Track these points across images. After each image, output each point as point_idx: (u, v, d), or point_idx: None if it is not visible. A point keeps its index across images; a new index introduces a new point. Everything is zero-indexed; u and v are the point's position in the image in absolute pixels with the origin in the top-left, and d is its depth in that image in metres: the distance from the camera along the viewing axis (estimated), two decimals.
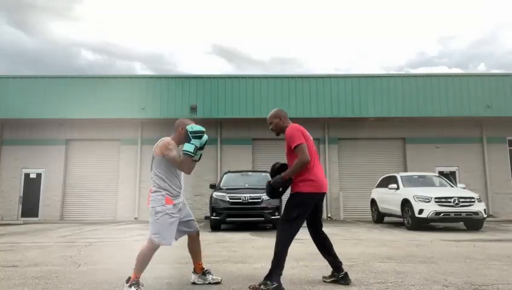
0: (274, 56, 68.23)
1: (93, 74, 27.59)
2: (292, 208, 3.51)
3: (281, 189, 3.60)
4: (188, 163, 3.46)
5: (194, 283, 3.73)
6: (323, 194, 3.63)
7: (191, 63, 69.48)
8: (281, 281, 3.36)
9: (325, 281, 3.75)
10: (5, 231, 9.96)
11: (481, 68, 57.13)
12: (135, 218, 14.69)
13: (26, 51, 58.27)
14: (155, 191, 3.46)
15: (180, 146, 3.60)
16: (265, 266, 4.64)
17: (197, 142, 3.43)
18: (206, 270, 3.78)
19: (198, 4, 65.76)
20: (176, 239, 3.56)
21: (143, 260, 3.38)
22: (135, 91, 14.53)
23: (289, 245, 3.47)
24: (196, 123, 3.61)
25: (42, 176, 15.14)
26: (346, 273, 3.68)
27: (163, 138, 3.60)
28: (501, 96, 14.33)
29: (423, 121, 15.16)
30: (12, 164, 15.14)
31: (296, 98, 14.38)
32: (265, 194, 9.77)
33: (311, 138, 3.75)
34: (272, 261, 3.42)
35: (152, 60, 66.19)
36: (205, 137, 3.51)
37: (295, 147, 3.48)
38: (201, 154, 3.58)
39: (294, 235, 3.50)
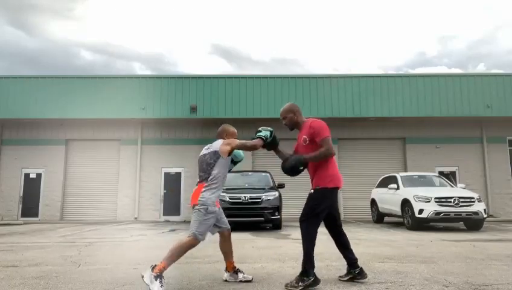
0: (274, 56, 68.25)
1: (93, 74, 27.61)
2: (317, 204, 3.56)
3: (301, 168, 3.67)
4: (259, 144, 3.64)
5: (225, 281, 3.82)
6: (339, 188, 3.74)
7: (191, 63, 69.50)
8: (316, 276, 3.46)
9: (341, 280, 3.79)
10: (5, 231, 9.96)
11: (480, 68, 57.14)
12: (135, 218, 14.69)
13: (26, 51, 58.29)
14: (211, 189, 3.53)
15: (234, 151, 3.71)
16: (265, 266, 4.65)
17: (267, 133, 3.69)
18: (237, 269, 3.86)
19: (198, 4, 65.75)
20: (213, 234, 3.74)
21: (178, 253, 3.43)
22: (135, 91, 14.53)
23: (315, 240, 3.53)
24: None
25: (42, 176, 15.14)
26: (361, 269, 3.76)
27: (219, 140, 3.72)
28: (501, 96, 14.33)
29: (423, 121, 15.16)
30: (12, 164, 15.13)
31: (296, 98, 14.36)
32: (265, 193, 9.81)
33: None
34: (303, 260, 3.47)
35: (152, 60, 66.20)
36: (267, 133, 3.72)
37: (323, 139, 3.55)
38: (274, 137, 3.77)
39: (317, 230, 3.58)
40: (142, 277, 3.35)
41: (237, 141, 3.63)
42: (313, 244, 3.50)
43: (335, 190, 3.65)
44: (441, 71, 49.08)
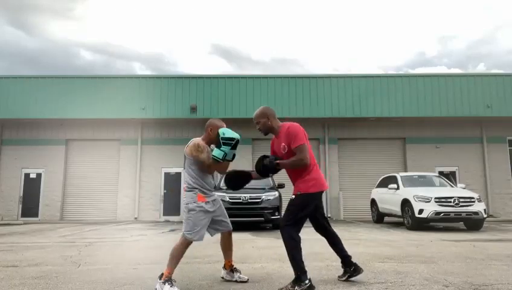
0: (274, 56, 68.25)
1: (93, 74, 27.61)
2: (298, 210, 3.47)
3: (270, 174, 3.64)
4: (216, 167, 3.58)
5: (222, 278, 3.87)
6: (324, 191, 3.66)
7: (191, 63, 69.51)
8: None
9: (341, 280, 3.77)
10: (5, 231, 9.96)
11: (480, 68, 57.15)
12: (135, 218, 14.69)
13: (26, 51, 58.30)
14: (188, 190, 3.59)
15: (212, 146, 3.66)
16: (265, 266, 4.65)
17: (226, 149, 3.46)
18: (234, 268, 3.87)
19: (198, 4, 65.76)
20: (212, 235, 3.75)
21: (177, 256, 3.47)
22: (135, 91, 14.53)
23: (300, 244, 3.44)
24: (228, 127, 3.64)
25: (42, 176, 15.14)
26: (355, 264, 3.74)
27: (193, 139, 3.68)
28: (501, 96, 14.34)
29: (423, 121, 15.16)
30: (12, 164, 15.14)
31: (296, 98, 14.38)
32: (265, 193, 9.81)
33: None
34: (293, 268, 3.37)
35: (152, 60, 66.21)
36: (236, 138, 3.51)
37: (298, 146, 3.42)
38: (234, 154, 3.59)
39: (299, 234, 3.50)
40: None
41: (201, 157, 3.52)
42: (299, 249, 3.39)
43: (318, 194, 3.55)
44: (441, 71, 49.10)
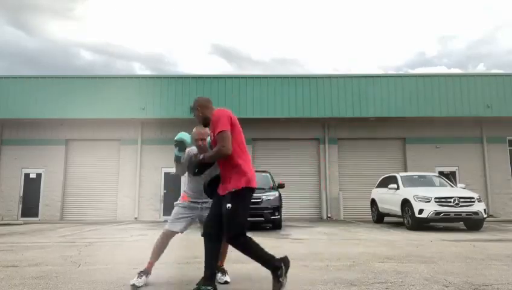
0: (274, 56, 68.26)
1: (93, 74, 27.62)
2: (238, 210, 3.08)
3: (196, 170, 3.37)
4: (176, 166, 3.78)
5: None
6: (254, 190, 3.23)
7: (191, 63, 69.52)
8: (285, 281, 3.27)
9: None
10: (5, 231, 9.96)
11: (480, 68, 57.16)
12: (135, 218, 14.70)
13: (26, 51, 58.32)
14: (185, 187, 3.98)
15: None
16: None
17: (175, 151, 3.62)
18: (222, 269, 3.85)
19: (198, 4, 65.78)
20: (181, 232, 3.78)
21: (156, 247, 3.74)
22: (135, 91, 14.54)
23: (254, 242, 3.14)
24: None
25: (42, 176, 15.15)
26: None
27: None
28: (501, 96, 14.34)
29: (423, 121, 15.17)
30: (12, 164, 15.14)
31: (296, 98, 14.38)
32: (265, 193, 9.80)
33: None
34: (263, 264, 3.18)
35: (152, 60, 66.23)
36: (183, 142, 3.54)
37: (218, 134, 3.08)
38: (178, 156, 3.66)
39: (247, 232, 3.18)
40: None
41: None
42: (257, 247, 3.12)
43: (247, 190, 3.14)
44: (441, 71, 49.11)
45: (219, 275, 3.78)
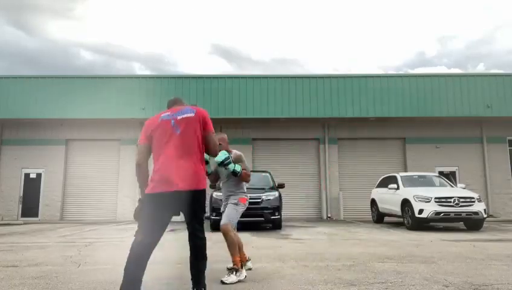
0: (274, 56, 68.26)
1: (93, 74, 27.62)
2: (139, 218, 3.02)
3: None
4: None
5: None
6: (176, 193, 2.88)
7: (191, 63, 69.52)
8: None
9: None
10: (5, 231, 9.96)
11: (480, 68, 57.15)
12: None
13: (26, 51, 58.32)
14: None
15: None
16: (266, 266, 4.65)
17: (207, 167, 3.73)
18: (229, 267, 3.97)
19: (198, 4, 65.78)
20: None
21: (233, 243, 3.97)
22: (135, 91, 14.53)
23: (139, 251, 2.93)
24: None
25: (42, 176, 15.14)
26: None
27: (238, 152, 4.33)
28: (501, 96, 14.34)
29: (423, 121, 15.17)
30: (12, 164, 15.13)
31: (296, 98, 14.37)
32: (265, 194, 9.80)
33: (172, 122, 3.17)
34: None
35: (152, 60, 66.24)
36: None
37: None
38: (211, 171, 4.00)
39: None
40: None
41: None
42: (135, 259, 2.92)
43: (153, 195, 2.90)
44: (440, 71, 49.11)
45: (248, 263, 4.18)
